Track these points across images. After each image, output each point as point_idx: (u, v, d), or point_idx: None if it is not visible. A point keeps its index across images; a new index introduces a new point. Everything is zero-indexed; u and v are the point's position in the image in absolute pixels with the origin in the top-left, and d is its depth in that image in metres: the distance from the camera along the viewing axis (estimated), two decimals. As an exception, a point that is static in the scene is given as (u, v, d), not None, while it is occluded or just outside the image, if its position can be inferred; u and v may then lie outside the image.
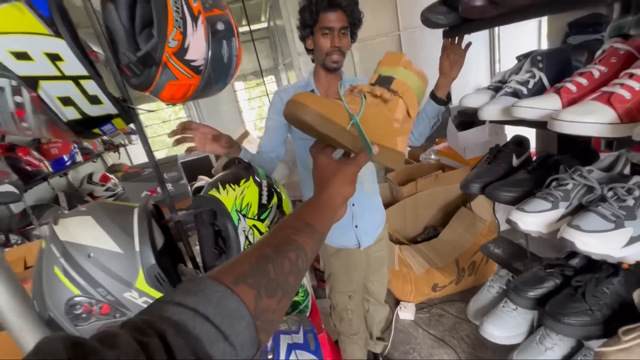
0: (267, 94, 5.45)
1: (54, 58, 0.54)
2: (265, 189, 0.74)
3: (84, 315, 0.58)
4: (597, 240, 0.69)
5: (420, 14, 1.02)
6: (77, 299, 0.58)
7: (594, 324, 0.86)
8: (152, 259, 0.61)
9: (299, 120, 0.53)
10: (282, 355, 0.89)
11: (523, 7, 0.73)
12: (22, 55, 0.52)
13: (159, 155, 5.34)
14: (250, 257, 0.39)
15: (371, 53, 3.67)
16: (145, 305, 0.61)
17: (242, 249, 0.68)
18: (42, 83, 0.54)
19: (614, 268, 0.89)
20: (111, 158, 4.11)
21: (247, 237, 0.69)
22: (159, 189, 2.63)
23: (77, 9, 0.58)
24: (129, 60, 0.62)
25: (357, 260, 1.41)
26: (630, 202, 0.71)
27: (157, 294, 0.62)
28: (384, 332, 1.82)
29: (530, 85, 0.84)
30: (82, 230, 0.60)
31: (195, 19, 0.64)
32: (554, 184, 0.85)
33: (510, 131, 1.24)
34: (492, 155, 1.11)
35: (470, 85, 4.17)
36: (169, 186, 2.35)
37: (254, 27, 4.92)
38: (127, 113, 0.68)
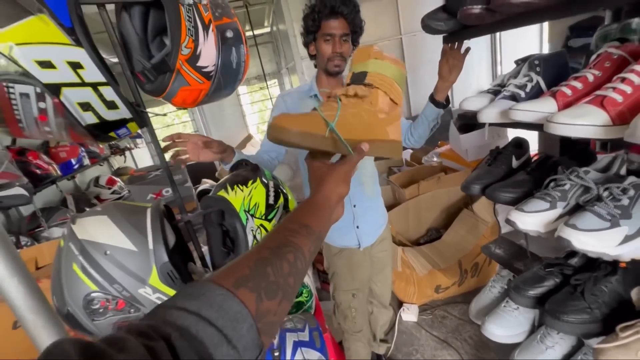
0: (270, 98, 5.51)
1: (75, 66, 0.58)
2: (272, 189, 0.77)
3: (101, 310, 0.61)
4: (593, 239, 0.71)
5: (421, 21, 1.05)
6: (94, 294, 0.61)
7: (593, 321, 0.88)
8: (164, 257, 0.64)
9: (284, 141, 0.57)
10: (289, 353, 0.91)
11: (520, 14, 0.76)
12: (46, 64, 0.55)
13: (163, 158, 5.36)
14: (249, 260, 0.39)
15: (373, 57, 3.69)
16: (158, 302, 0.64)
17: (250, 248, 0.71)
18: (64, 89, 0.57)
19: (612, 267, 0.91)
20: (117, 161, 4.16)
21: (255, 237, 0.72)
22: (164, 192, 2.67)
23: (91, 20, 0.62)
24: (144, 67, 0.66)
25: (359, 259, 1.43)
26: (625, 201, 0.73)
27: (170, 291, 0.65)
28: (387, 334, 1.83)
29: (528, 89, 0.87)
30: (98, 229, 0.63)
31: (206, 28, 0.67)
32: (552, 184, 0.87)
33: (513, 134, 1.27)
34: (493, 157, 1.13)
35: (472, 88, 4.20)
36: (174, 189, 2.38)
37: (257, 31, 4.99)
38: (141, 117, 0.71)
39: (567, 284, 0.97)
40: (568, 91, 0.74)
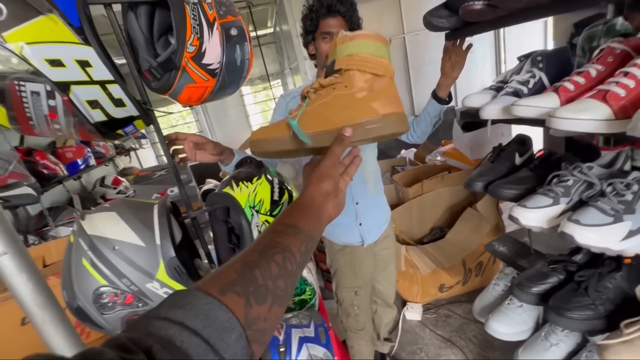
0: (273, 98, 5.53)
1: (84, 64, 0.59)
2: (276, 186, 0.78)
3: (110, 304, 0.62)
4: (596, 234, 0.72)
5: (423, 18, 1.06)
6: (103, 288, 0.62)
7: (597, 318, 0.88)
8: (171, 252, 0.65)
9: (264, 153, 0.59)
10: (294, 349, 0.92)
11: (521, 10, 0.76)
12: (55, 62, 0.57)
13: (168, 159, 5.41)
14: (235, 265, 0.38)
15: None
16: (165, 296, 0.65)
17: (254, 244, 0.72)
18: (73, 87, 0.59)
19: (616, 263, 0.91)
20: (122, 162, 4.20)
21: (260, 232, 0.73)
22: (169, 191, 2.70)
23: (98, 22, 0.63)
24: (150, 65, 0.67)
25: (362, 256, 1.44)
26: (629, 196, 0.73)
27: (177, 285, 0.66)
28: (391, 332, 1.84)
29: (531, 85, 0.87)
30: (107, 225, 0.64)
31: (211, 26, 0.68)
32: (555, 180, 0.88)
33: (517, 132, 1.27)
34: (495, 154, 1.13)
35: (476, 86, 4.19)
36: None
37: (260, 32, 5.01)
38: (147, 115, 0.72)
39: (571, 280, 0.97)
40: (571, 86, 0.74)
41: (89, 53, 0.59)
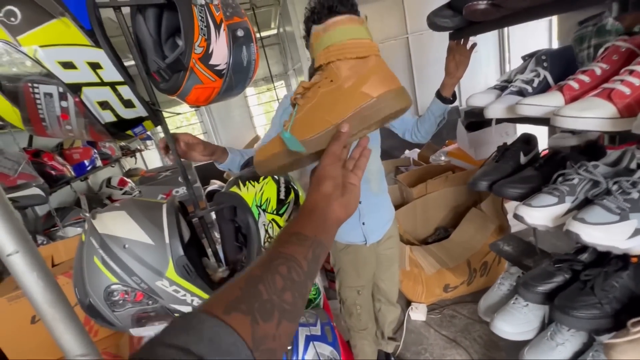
0: (277, 99, 5.55)
1: (95, 66, 0.60)
2: (282, 185, 0.79)
3: (120, 301, 0.64)
4: (602, 232, 0.71)
5: (427, 18, 1.06)
6: (114, 286, 0.63)
7: (604, 317, 0.88)
8: (180, 250, 0.66)
9: (271, 172, 0.58)
10: (301, 347, 0.92)
11: (525, 9, 0.76)
12: (68, 65, 0.58)
13: (173, 160, 5.46)
14: (239, 281, 0.36)
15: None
16: (175, 294, 0.66)
17: (262, 242, 0.73)
18: (84, 89, 0.60)
19: (623, 262, 0.90)
20: (128, 163, 4.24)
21: (267, 231, 0.74)
22: (174, 192, 2.72)
23: (107, 27, 0.64)
24: (159, 67, 0.68)
25: (365, 256, 1.44)
26: (635, 195, 0.73)
27: (186, 283, 0.67)
28: (396, 332, 1.84)
29: (535, 84, 0.87)
30: (117, 224, 0.66)
31: (218, 27, 0.69)
32: (560, 179, 0.88)
33: (521, 131, 1.27)
34: (500, 153, 1.13)
35: (480, 86, 4.18)
36: (184, 189, 2.43)
37: (264, 33, 5.04)
38: (156, 115, 0.74)
39: (577, 279, 0.96)
40: (575, 85, 0.74)
41: (100, 55, 0.61)
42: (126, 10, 0.72)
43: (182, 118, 6.39)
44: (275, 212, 0.75)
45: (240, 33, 0.73)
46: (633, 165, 0.85)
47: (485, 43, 4.21)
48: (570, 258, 1.02)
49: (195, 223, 0.88)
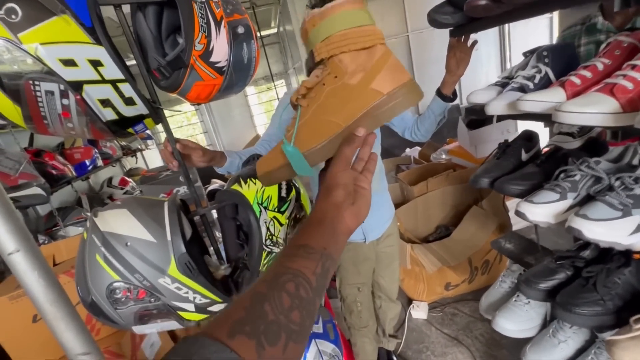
0: (278, 98, 5.55)
1: (96, 64, 0.60)
2: (284, 183, 0.79)
3: (123, 299, 0.64)
4: (605, 228, 0.71)
5: (427, 15, 1.06)
6: (116, 284, 0.63)
7: (606, 313, 0.87)
8: (182, 248, 0.66)
9: (276, 183, 0.56)
10: (301, 344, 0.93)
11: (526, 5, 0.76)
12: (69, 62, 0.58)
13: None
14: (244, 299, 0.34)
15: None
16: (177, 291, 0.66)
17: (263, 240, 0.73)
18: (85, 87, 0.60)
19: (625, 258, 0.90)
20: (129, 162, 4.25)
21: (268, 229, 0.74)
22: (175, 191, 2.72)
23: (107, 26, 0.64)
24: (159, 64, 0.68)
25: (365, 253, 1.44)
26: (638, 190, 0.73)
27: (188, 281, 0.67)
28: (397, 330, 1.84)
29: (537, 80, 0.87)
30: (119, 222, 0.66)
31: (218, 24, 0.69)
32: (562, 175, 0.87)
33: (523, 129, 1.27)
34: (501, 150, 1.13)
35: (481, 84, 4.16)
36: (185, 189, 2.43)
37: (264, 32, 5.04)
38: (157, 113, 0.74)
39: (579, 276, 0.96)
40: (577, 80, 0.74)
41: (101, 53, 0.61)
42: (126, 8, 0.72)
43: (183, 117, 6.39)
44: (276, 210, 0.75)
45: (240, 30, 0.73)
46: (635, 161, 0.85)
47: (486, 41, 4.20)
48: (572, 255, 1.02)
49: (197, 222, 0.88)
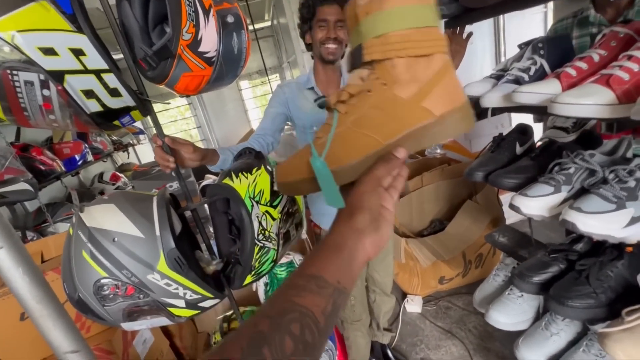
0: (272, 92, 5.49)
1: (78, 53, 0.58)
2: (276, 176, 0.77)
3: (111, 295, 0.62)
4: (598, 221, 0.71)
5: (423, 6, 1.04)
6: (104, 280, 0.61)
7: (599, 306, 0.88)
8: (171, 243, 0.64)
9: (298, 193, 0.52)
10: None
11: (523, -5, 0.75)
12: (48, 51, 0.55)
13: (166, 155, 5.41)
14: (242, 338, 0.30)
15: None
16: (167, 287, 0.65)
17: (256, 234, 0.71)
18: (67, 77, 0.58)
19: (618, 251, 0.90)
20: (120, 158, 4.18)
21: (260, 223, 0.72)
22: (167, 187, 2.69)
23: (92, 14, 0.62)
24: (146, 54, 0.66)
25: None
26: (632, 183, 0.73)
27: (178, 277, 0.65)
28: (392, 324, 1.84)
29: (532, 72, 0.86)
30: (106, 217, 0.64)
31: (206, 13, 0.67)
32: (556, 168, 0.87)
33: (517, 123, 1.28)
34: (496, 144, 1.13)
35: (475, 78, 4.16)
36: (177, 184, 2.40)
37: (257, 25, 4.96)
38: (144, 105, 0.71)
39: (572, 269, 0.96)
40: (573, 72, 0.73)
41: (83, 41, 0.58)
42: (112, -2, 0.70)
43: (176, 112, 6.31)
44: (268, 204, 0.74)
45: (230, 19, 0.71)
46: (629, 154, 0.85)
47: (480, 35, 4.18)
48: (566, 248, 1.02)
49: (189, 217, 0.86)
